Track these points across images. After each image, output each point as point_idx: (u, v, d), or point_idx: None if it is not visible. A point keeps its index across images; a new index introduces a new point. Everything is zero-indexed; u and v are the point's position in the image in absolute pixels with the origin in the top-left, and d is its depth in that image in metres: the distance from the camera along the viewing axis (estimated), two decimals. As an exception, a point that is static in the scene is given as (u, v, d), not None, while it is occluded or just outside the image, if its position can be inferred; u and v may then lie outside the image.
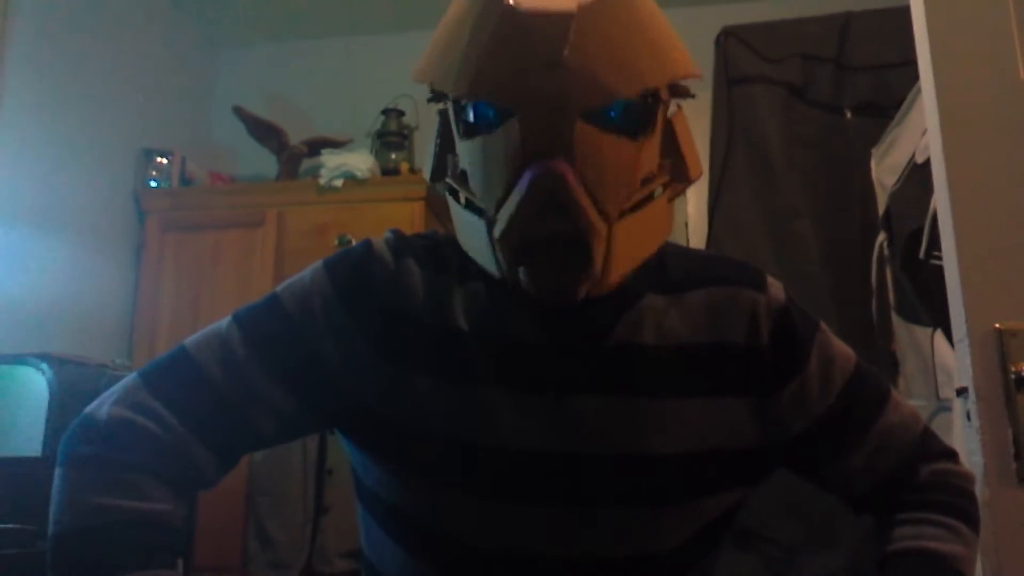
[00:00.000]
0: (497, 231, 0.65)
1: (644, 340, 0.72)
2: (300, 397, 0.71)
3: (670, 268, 0.77)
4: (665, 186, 0.72)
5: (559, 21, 0.62)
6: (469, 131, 0.69)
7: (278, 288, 0.75)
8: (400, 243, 0.75)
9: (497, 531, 0.71)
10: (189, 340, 0.73)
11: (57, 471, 0.65)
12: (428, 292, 0.73)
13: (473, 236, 0.70)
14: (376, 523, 0.77)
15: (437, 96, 0.75)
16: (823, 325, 0.78)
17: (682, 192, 0.76)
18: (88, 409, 0.69)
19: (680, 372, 0.72)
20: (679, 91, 0.73)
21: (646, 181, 0.69)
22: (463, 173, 0.71)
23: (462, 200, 0.71)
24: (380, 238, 0.76)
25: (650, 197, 0.70)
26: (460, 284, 0.74)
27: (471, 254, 0.72)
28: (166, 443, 0.66)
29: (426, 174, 0.77)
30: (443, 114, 0.75)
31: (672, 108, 0.74)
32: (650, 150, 0.69)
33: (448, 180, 0.73)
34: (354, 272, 0.73)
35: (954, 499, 0.73)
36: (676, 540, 0.73)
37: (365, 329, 0.71)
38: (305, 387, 0.71)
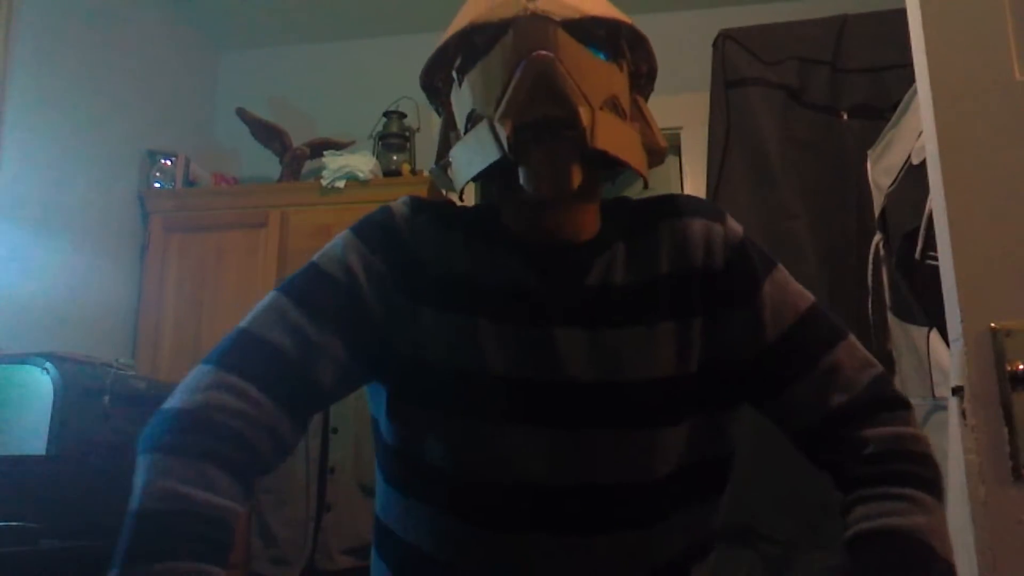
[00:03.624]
0: (497, 116, 0.75)
1: (616, 280, 0.81)
2: (351, 345, 0.77)
3: (636, 212, 0.86)
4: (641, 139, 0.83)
5: None
6: (468, 65, 0.81)
7: (314, 258, 0.81)
8: (416, 204, 0.85)
9: (497, 457, 0.77)
10: (242, 322, 0.77)
11: (139, 459, 0.69)
12: (437, 243, 0.82)
13: (475, 145, 0.79)
14: (390, 482, 0.83)
15: (438, 93, 0.89)
16: (781, 266, 0.84)
17: (658, 161, 0.86)
18: (165, 405, 0.72)
19: (648, 302, 0.80)
20: (640, 76, 0.87)
21: (617, 109, 0.79)
22: (465, 125, 0.81)
23: (460, 137, 0.82)
24: (398, 201, 0.85)
25: (625, 115, 0.80)
26: (465, 238, 0.83)
27: (474, 165, 0.79)
28: (245, 415, 0.70)
29: (434, 162, 0.89)
30: (444, 116, 0.88)
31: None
32: (616, 77, 0.80)
33: (452, 149, 0.85)
34: (380, 228, 0.82)
35: (911, 467, 0.74)
36: (662, 469, 0.78)
37: (394, 274, 0.80)
38: (354, 335, 0.77)
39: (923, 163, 1.15)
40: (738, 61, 2.54)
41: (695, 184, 2.93)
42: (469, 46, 0.81)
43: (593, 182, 0.81)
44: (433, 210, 0.85)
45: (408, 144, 2.94)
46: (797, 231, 2.38)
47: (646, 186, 0.92)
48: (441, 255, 0.81)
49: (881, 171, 2.03)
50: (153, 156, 2.80)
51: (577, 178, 0.75)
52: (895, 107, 1.95)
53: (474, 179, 0.80)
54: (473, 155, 0.79)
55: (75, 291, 2.44)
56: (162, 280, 2.68)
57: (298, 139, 2.93)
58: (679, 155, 3.07)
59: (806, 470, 2.45)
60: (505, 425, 0.77)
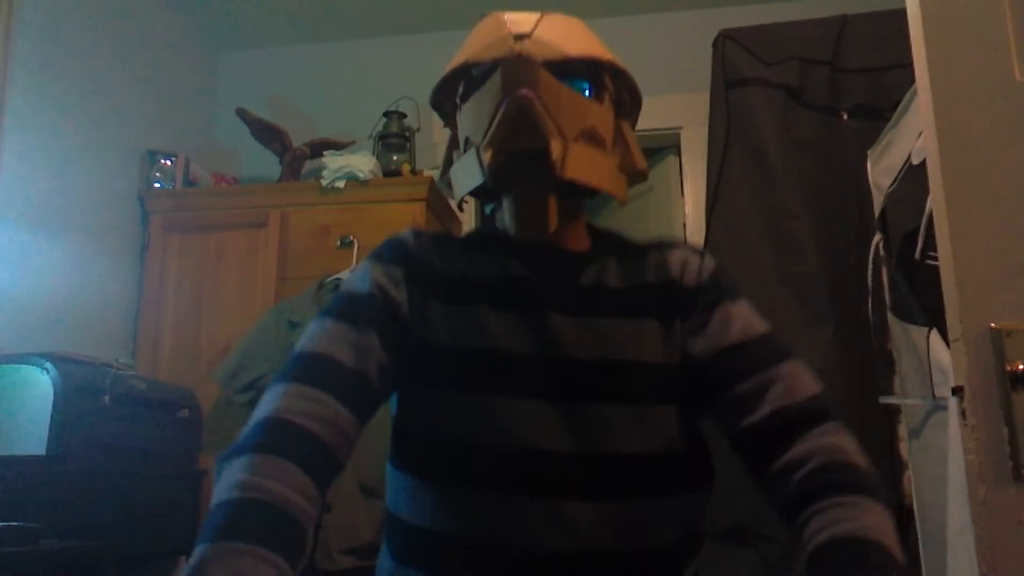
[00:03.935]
0: (483, 145, 0.88)
1: (609, 283, 0.92)
2: (386, 340, 0.87)
3: (627, 241, 0.99)
4: (618, 164, 0.95)
5: (529, 16, 0.91)
6: (467, 94, 0.94)
7: (340, 290, 0.93)
8: (417, 231, 0.98)
9: (502, 426, 0.84)
10: (296, 348, 0.87)
11: (229, 462, 0.74)
12: (439, 254, 0.94)
13: (466, 167, 0.92)
14: (401, 467, 0.90)
15: (446, 112, 1.02)
16: (747, 299, 0.94)
17: (639, 180, 0.98)
18: (252, 418, 0.79)
19: (637, 303, 0.91)
20: (625, 105, 0.98)
21: (596, 140, 0.90)
22: (463, 143, 0.94)
23: (460, 156, 0.96)
24: (402, 231, 0.98)
25: (602, 148, 0.91)
26: (463, 251, 0.96)
27: (465, 186, 0.94)
28: (317, 415, 0.78)
29: (437, 177, 1.05)
30: (451, 135, 1.01)
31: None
32: (595, 112, 0.91)
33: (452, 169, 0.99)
34: (392, 246, 0.95)
35: (852, 476, 0.77)
36: (654, 445, 0.86)
37: (408, 274, 0.92)
38: (387, 331, 0.87)
39: (923, 163, 1.15)
40: (738, 61, 2.54)
41: (695, 184, 2.93)
42: (468, 77, 0.94)
43: (573, 206, 0.94)
44: (433, 234, 0.98)
45: (408, 144, 2.94)
46: (797, 231, 2.38)
47: (622, 205, 1.00)
48: (444, 261, 0.93)
49: (881, 171, 2.03)
50: (153, 156, 2.80)
51: (554, 219, 0.87)
52: (895, 107, 1.95)
53: (469, 194, 0.95)
54: (464, 176, 0.93)
55: (75, 291, 2.44)
56: (162, 280, 2.68)
57: (298, 139, 2.93)
58: (679, 155, 3.08)
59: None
60: (510, 397, 0.84)
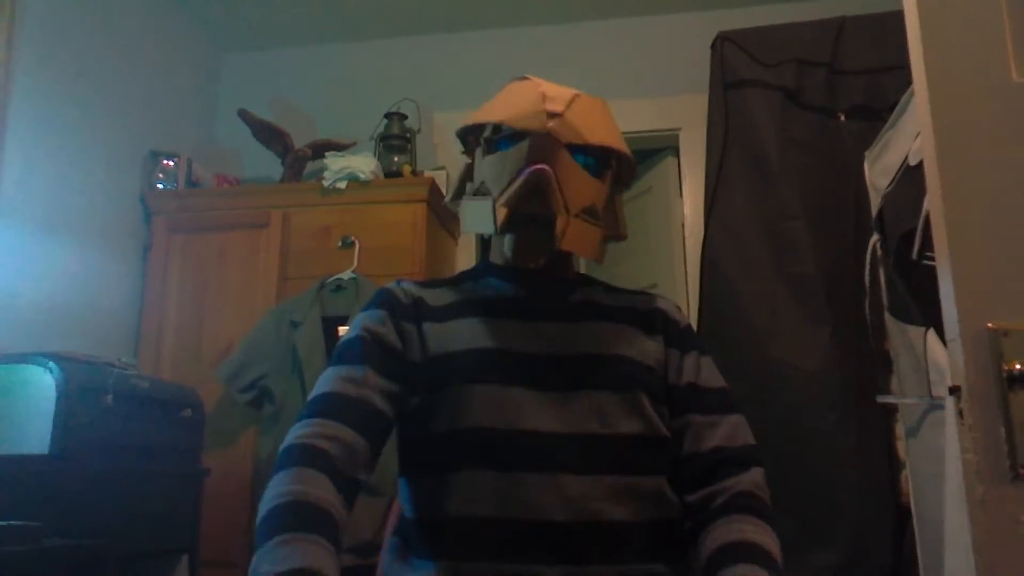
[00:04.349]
0: (500, 202, 1.03)
1: (599, 300, 1.11)
2: (383, 371, 1.00)
3: (608, 288, 1.16)
4: (605, 233, 1.12)
5: (564, 94, 1.07)
6: (494, 150, 1.09)
7: (339, 343, 1.05)
8: (402, 282, 1.12)
9: (507, 414, 0.96)
10: (311, 393, 1.00)
11: (270, 481, 0.88)
12: (428, 292, 1.10)
13: (480, 213, 1.07)
14: (414, 472, 1.02)
15: (468, 143, 1.18)
16: (710, 358, 1.11)
17: (614, 239, 1.16)
18: (284, 444, 0.92)
19: (622, 315, 1.09)
20: (622, 180, 1.17)
21: (593, 212, 1.07)
22: (478, 187, 1.10)
23: (474, 197, 1.11)
24: (388, 284, 1.12)
25: (596, 224, 1.08)
26: (451, 286, 1.12)
27: (476, 228, 1.09)
28: (336, 439, 0.91)
29: (448, 196, 1.20)
30: (467, 164, 1.17)
31: (619, 196, 1.18)
32: (598, 191, 1.08)
33: (465, 197, 1.14)
34: (378, 296, 1.09)
35: (755, 503, 0.97)
36: (634, 427, 0.98)
37: (394, 312, 1.06)
38: (382, 363, 1.01)
39: (920, 164, 1.16)
40: (736, 63, 2.55)
41: (693, 185, 2.94)
42: (498, 129, 1.08)
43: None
44: (419, 280, 1.13)
45: (409, 145, 2.95)
46: (795, 232, 2.39)
47: (599, 263, 1.16)
48: (433, 296, 1.09)
49: (878, 172, 2.04)
50: (155, 157, 2.81)
51: (543, 261, 1.05)
52: (892, 108, 1.95)
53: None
54: (476, 217, 1.08)
55: (78, 291, 2.45)
56: (164, 280, 2.69)
57: (300, 140, 2.94)
58: (677, 156, 3.08)
59: (804, 471, 2.46)
60: (510, 387, 0.97)
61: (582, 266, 2.76)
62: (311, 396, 0.99)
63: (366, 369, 0.99)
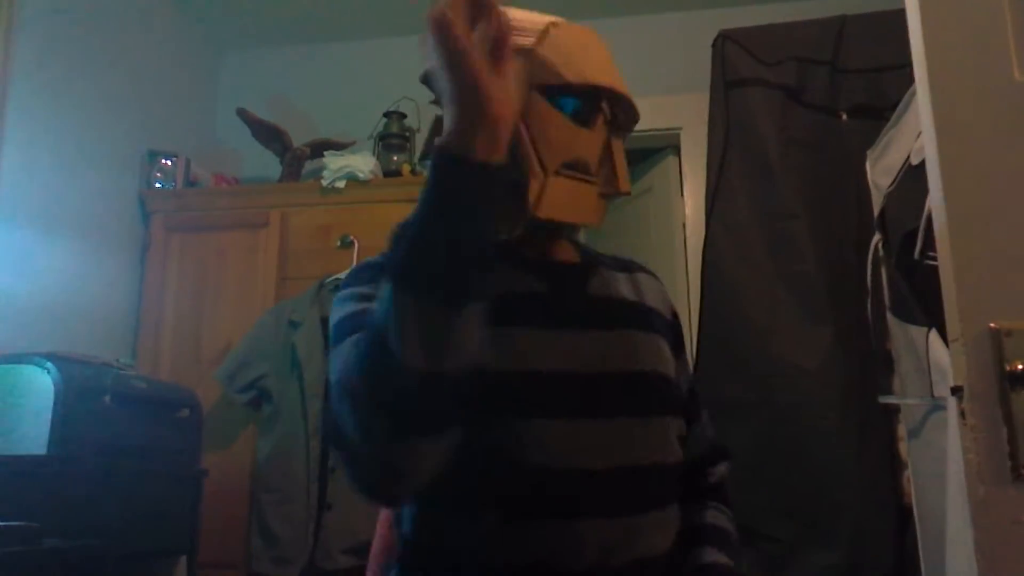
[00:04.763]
0: None
1: (621, 294, 0.95)
2: None
3: (607, 257, 1.02)
4: (600, 191, 0.93)
5: (535, 23, 0.86)
6: None
7: (333, 322, 0.85)
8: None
9: (539, 447, 0.81)
10: (330, 378, 0.80)
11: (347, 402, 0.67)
12: None
13: None
14: (429, 502, 0.85)
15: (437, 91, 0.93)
16: None
17: (614, 197, 0.94)
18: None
19: (645, 318, 0.96)
20: (620, 126, 0.96)
21: (581, 167, 0.89)
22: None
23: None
24: (367, 259, 0.93)
25: (587, 180, 0.90)
26: None
27: None
28: None
29: (416, 156, 1.00)
30: (437, 116, 0.90)
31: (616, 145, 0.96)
32: (585, 140, 0.89)
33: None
34: (368, 268, 0.89)
35: (726, 493, 1.02)
36: (673, 456, 0.90)
37: None
38: None
39: (922, 163, 1.15)
40: (737, 62, 2.54)
41: (694, 184, 2.93)
42: None
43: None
44: None
45: (408, 144, 2.94)
46: (796, 231, 2.39)
47: (596, 229, 1.01)
48: None
49: (880, 171, 2.03)
50: (154, 156, 2.80)
51: (519, 231, 0.89)
52: (894, 107, 1.95)
53: None
54: None
55: (76, 291, 2.44)
56: (163, 280, 2.68)
57: (298, 139, 2.94)
58: (678, 155, 3.08)
59: (805, 471, 2.46)
60: (541, 417, 0.82)
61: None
62: (335, 378, 0.80)
63: None
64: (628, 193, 0.95)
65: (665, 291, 1.03)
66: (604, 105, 0.92)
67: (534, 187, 0.85)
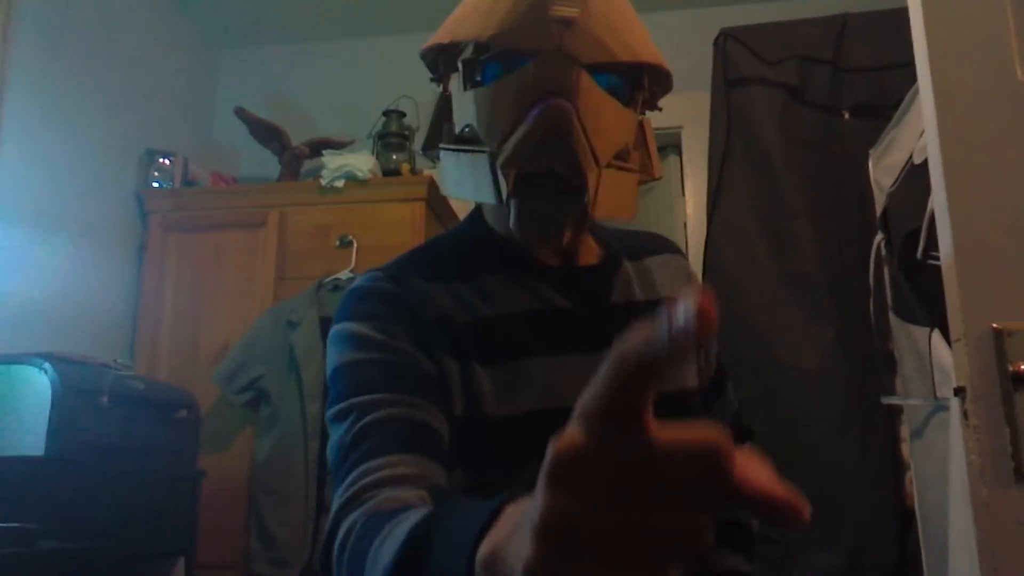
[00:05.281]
0: (501, 159, 0.73)
1: (636, 297, 0.84)
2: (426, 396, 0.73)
3: (623, 241, 0.90)
4: (639, 178, 0.84)
5: None
6: (479, 79, 0.77)
7: (333, 366, 0.76)
8: (388, 274, 0.80)
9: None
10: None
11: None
12: (445, 295, 0.78)
13: (472, 175, 0.77)
14: None
15: (438, 70, 0.85)
16: None
17: (646, 181, 0.87)
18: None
19: None
20: (650, 102, 0.87)
21: (623, 154, 0.80)
22: (462, 131, 0.80)
23: (460, 148, 0.80)
24: (365, 278, 0.80)
25: (630, 169, 0.81)
26: (466, 282, 0.80)
27: (467, 193, 0.79)
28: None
29: (419, 143, 0.88)
30: (441, 95, 0.85)
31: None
32: (629, 124, 0.80)
33: (442, 145, 0.83)
34: (377, 300, 0.77)
35: None
36: None
37: (414, 337, 0.75)
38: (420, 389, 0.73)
39: (925, 163, 1.14)
40: (739, 60, 2.53)
41: (696, 183, 2.92)
42: (483, 47, 0.77)
43: (584, 221, 0.83)
44: (408, 269, 0.81)
45: (407, 143, 2.94)
46: (798, 230, 2.38)
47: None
48: (454, 305, 0.77)
49: (883, 171, 2.03)
50: (151, 155, 2.79)
51: (568, 237, 0.79)
52: (897, 106, 1.94)
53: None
54: (466, 179, 0.79)
55: (73, 291, 2.44)
56: (160, 280, 2.68)
57: (297, 138, 2.93)
58: (680, 155, 3.07)
59: (807, 472, 2.45)
60: None
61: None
62: (331, 460, 0.75)
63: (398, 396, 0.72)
64: (660, 177, 0.88)
65: (680, 266, 0.91)
66: (645, 80, 0.82)
67: (592, 182, 0.74)
